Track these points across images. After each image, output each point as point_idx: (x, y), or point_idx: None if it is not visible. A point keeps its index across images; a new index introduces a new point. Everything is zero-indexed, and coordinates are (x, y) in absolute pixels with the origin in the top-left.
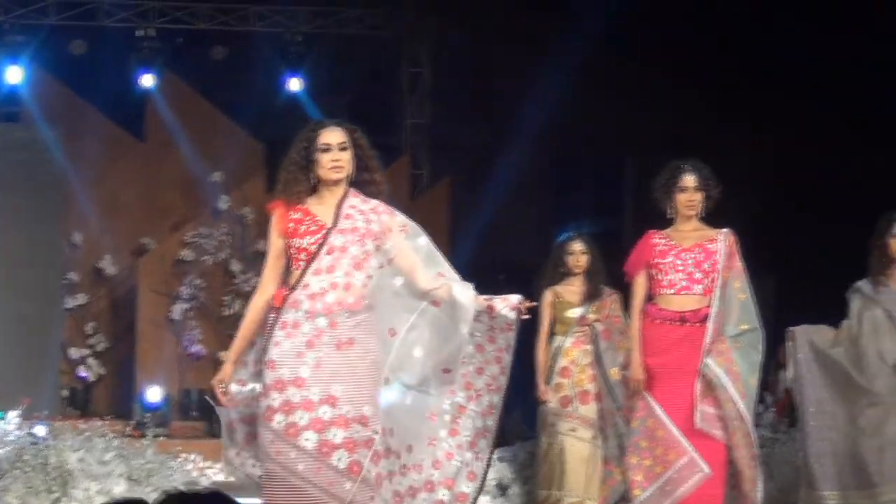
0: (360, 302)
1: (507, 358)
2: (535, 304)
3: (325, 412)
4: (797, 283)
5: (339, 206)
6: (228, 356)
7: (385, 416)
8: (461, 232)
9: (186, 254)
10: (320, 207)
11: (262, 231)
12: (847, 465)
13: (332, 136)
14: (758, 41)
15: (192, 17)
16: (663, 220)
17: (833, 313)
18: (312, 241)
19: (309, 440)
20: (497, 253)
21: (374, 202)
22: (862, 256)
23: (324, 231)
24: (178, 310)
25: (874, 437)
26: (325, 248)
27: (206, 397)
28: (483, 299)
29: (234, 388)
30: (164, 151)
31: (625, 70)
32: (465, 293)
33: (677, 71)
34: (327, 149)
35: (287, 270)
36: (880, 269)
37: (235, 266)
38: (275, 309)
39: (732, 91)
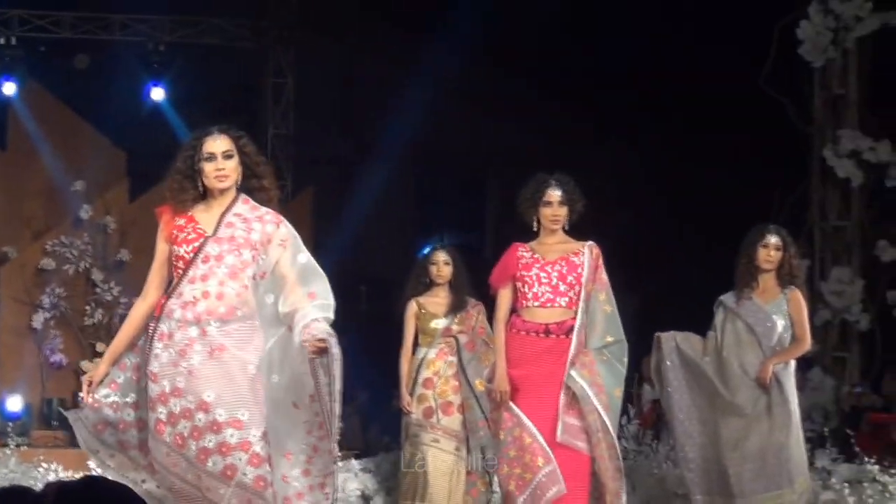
0: (232, 311)
1: (334, 396)
2: (323, 345)
3: (200, 419)
4: (662, 299)
5: (222, 215)
6: (104, 357)
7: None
8: (324, 244)
9: (48, 262)
10: (205, 215)
11: (124, 240)
12: (713, 472)
13: (216, 144)
14: (624, 57)
15: (55, 25)
16: (525, 234)
17: (698, 329)
18: (189, 249)
19: (190, 449)
20: (360, 265)
21: (264, 210)
22: (727, 272)
23: (201, 240)
24: (39, 319)
25: (735, 449)
26: (200, 257)
27: (60, 409)
28: (307, 332)
29: (103, 390)
30: (26, 160)
31: (490, 84)
32: (300, 322)
33: (543, 86)
34: (211, 157)
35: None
36: (746, 279)
37: (97, 275)
38: (154, 318)
39: (599, 106)
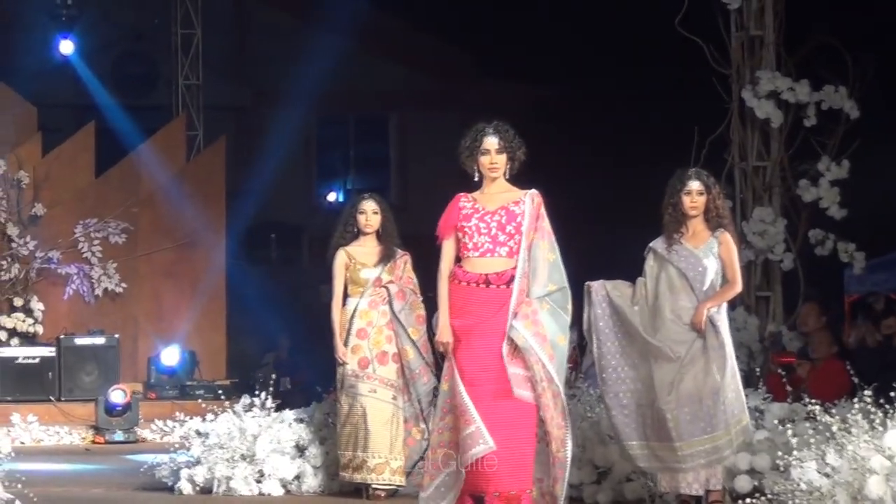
0: None
1: None
2: None
3: None
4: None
5: None
6: None
7: None
8: (235, 194)
9: None
10: None
11: (38, 194)
12: (648, 418)
13: None
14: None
15: None
16: (426, 175)
17: (631, 274)
18: None
19: None
20: (268, 212)
21: None
22: (653, 214)
23: None
24: None
25: (671, 392)
26: None
27: None
28: None
29: None
30: None
31: (389, 31)
32: None
33: (441, 29)
34: None
35: None
36: (674, 227)
37: (12, 230)
38: None
39: (497, 49)
